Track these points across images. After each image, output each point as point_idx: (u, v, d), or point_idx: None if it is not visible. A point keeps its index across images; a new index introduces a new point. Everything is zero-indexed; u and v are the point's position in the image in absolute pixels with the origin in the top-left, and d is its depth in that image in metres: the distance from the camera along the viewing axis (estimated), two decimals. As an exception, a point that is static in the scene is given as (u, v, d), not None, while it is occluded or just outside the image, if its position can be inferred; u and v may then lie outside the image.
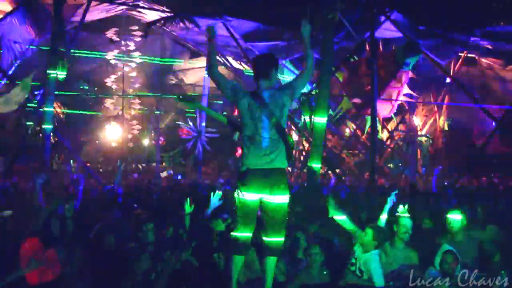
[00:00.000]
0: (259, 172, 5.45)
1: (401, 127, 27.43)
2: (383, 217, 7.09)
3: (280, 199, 5.48)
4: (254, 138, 5.48)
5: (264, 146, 5.45)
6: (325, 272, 6.65)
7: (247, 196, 5.45)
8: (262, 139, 5.46)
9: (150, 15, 23.01)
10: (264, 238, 5.56)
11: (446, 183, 18.47)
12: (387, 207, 7.15)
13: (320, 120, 11.85)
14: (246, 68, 27.98)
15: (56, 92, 16.91)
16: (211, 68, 5.55)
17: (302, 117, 21.42)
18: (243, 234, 5.51)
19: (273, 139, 5.48)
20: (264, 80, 5.56)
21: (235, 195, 5.53)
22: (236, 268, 5.57)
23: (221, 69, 29.29)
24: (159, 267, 6.15)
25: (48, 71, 16.02)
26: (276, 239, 5.52)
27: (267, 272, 5.57)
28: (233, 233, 5.56)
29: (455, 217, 7.05)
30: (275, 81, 5.68)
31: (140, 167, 32.15)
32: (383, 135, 27.64)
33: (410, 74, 18.55)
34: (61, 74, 15.97)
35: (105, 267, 6.30)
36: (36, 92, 19.89)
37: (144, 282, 6.07)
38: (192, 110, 29.89)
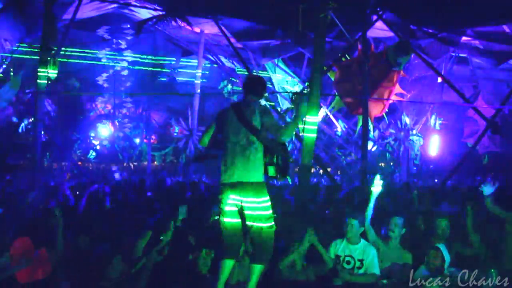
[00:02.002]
0: (227, 187, 5.55)
1: (392, 126, 27.48)
2: (369, 214, 7.04)
3: (257, 201, 5.53)
4: (224, 143, 5.62)
5: (229, 152, 5.55)
6: (309, 268, 6.63)
7: (227, 207, 5.58)
8: (228, 144, 5.58)
9: (142, 13, 22.94)
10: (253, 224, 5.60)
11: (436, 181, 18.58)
12: (372, 202, 7.08)
13: (312, 119, 11.85)
14: (238, 67, 27.99)
15: (47, 90, 16.81)
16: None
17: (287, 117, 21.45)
18: (228, 258, 5.61)
19: (241, 145, 5.54)
20: (251, 97, 5.73)
21: (219, 217, 5.69)
22: (224, 271, 5.60)
23: (213, 68, 29.32)
24: (134, 268, 6.16)
25: (39, 70, 15.94)
26: (261, 262, 5.58)
27: (252, 277, 5.59)
28: (220, 256, 5.65)
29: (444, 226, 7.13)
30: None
31: (132, 165, 32.09)
32: (375, 134, 27.71)
33: (402, 73, 18.59)
34: (52, 72, 15.90)
35: (81, 268, 6.29)
36: (27, 91, 19.83)
37: (122, 282, 6.05)
38: (184, 109, 29.87)
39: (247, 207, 5.55)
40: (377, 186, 7.08)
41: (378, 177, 7.26)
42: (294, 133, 5.82)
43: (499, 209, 7.11)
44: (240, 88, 5.76)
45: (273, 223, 5.61)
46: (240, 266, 6.36)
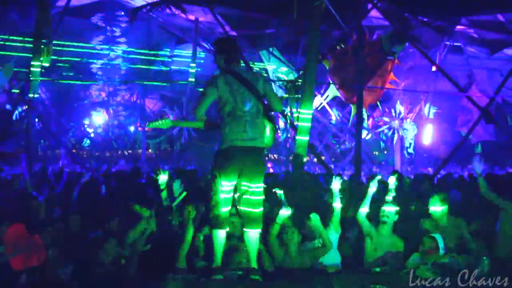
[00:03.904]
0: (238, 150, 5.52)
1: (386, 115, 27.52)
2: (363, 210, 6.97)
3: (256, 186, 5.63)
4: (234, 113, 5.55)
5: (244, 121, 5.53)
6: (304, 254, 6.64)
7: (224, 185, 5.59)
8: (242, 113, 5.55)
9: (137, 1, 22.86)
10: (243, 209, 5.70)
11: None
12: (368, 199, 7.02)
13: (307, 108, 11.86)
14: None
15: (41, 78, 16.73)
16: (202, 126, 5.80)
17: (288, 106, 21.45)
18: (222, 209, 5.64)
19: (252, 113, 5.56)
20: (237, 64, 5.72)
21: (212, 184, 5.64)
22: (219, 242, 5.68)
23: (207, 56, 29.21)
24: (126, 252, 6.15)
25: (32, 57, 15.86)
26: (254, 209, 5.65)
27: (250, 246, 5.68)
28: (212, 212, 5.65)
29: (436, 208, 7.10)
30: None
31: (126, 153, 32.07)
32: (369, 122, 27.75)
33: (396, 62, 18.60)
34: (45, 60, 15.83)
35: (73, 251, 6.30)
36: (20, 78, 19.68)
37: (113, 269, 6.06)
38: (178, 97, 29.80)
39: (243, 190, 5.64)
40: (373, 187, 7.08)
41: (378, 178, 7.29)
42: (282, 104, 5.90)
43: (493, 195, 7.13)
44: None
45: (262, 208, 5.72)
46: (238, 250, 6.38)
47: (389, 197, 7.16)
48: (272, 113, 5.84)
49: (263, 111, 5.67)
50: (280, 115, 23.25)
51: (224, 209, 5.66)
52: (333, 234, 6.85)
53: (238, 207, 5.79)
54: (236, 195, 5.73)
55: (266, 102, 5.74)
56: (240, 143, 5.51)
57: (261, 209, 5.71)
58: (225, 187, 5.60)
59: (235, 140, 5.51)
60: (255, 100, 5.57)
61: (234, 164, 5.54)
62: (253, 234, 5.68)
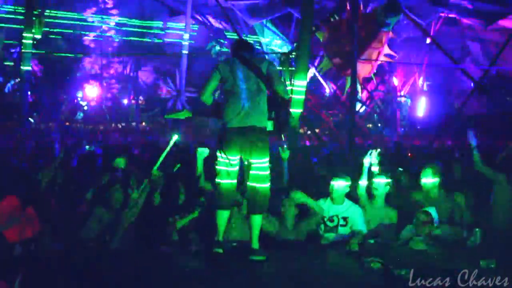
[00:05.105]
0: (236, 132, 5.57)
1: (380, 87, 27.50)
2: (362, 183, 7.06)
3: (259, 162, 5.64)
4: (232, 90, 5.61)
5: (242, 98, 5.56)
6: (299, 226, 6.65)
7: (229, 156, 5.63)
8: (240, 90, 5.59)
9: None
10: (250, 184, 5.73)
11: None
12: (365, 172, 7.08)
13: (301, 80, 11.83)
14: (226, 28, 27.75)
15: (32, 51, 16.62)
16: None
17: (282, 77, 21.36)
18: (227, 181, 5.70)
19: (252, 91, 5.58)
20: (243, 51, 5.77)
21: (217, 154, 5.72)
22: (222, 222, 5.74)
23: (201, 28, 29.03)
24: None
25: (24, 29, 15.72)
26: (261, 184, 5.68)
27: (252, 230, 5.71)
28: (217, 180, 5.73)
29: (428, 180, 7.12)
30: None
31: (120, 126, 31.97)
32: (363, 95, 27.72)
33: (391, 34, 18.52)
34: (37, 33, 15.69)
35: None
36: (12, 50, 19.58)
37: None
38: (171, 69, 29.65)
39: (249, 165, 5.70)
40: (367, 159, 7.12)
41: (374, 153, 7.31)
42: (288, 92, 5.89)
43: (487, 168, 7.15)
44: (228, 49, 5.84)
45: (269, 183, 5.74)
46: (238, 221, 6.41)
47: (375, 168, 7.24)
48: (283, 97, 5.78)
49: (265, 91, 5.69)
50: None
51: (228, 182, 5.71)
52: (358, 209, 6.86)
53: (246, 183, 5.84)
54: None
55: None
56: (236, 123, 5.55)
57: (268, 184, 5.73)
58: (229, 160, 5.66)
59: (232, 120, 5.56)
60: (254, 77, 5.60)
61: (233, 145, 5.61)
62: (257, 217, 5.72)
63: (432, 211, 6.49)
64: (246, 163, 5.87)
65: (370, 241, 6.55)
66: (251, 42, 6.35)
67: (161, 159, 6.59)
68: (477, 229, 6.27)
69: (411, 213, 6.60)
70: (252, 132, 5.57)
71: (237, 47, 5.86)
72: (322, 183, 7.38)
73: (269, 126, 5.78)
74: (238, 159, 5.72)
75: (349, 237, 6.45)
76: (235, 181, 5.78)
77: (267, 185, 5.71)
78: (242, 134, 5.56)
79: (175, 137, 6.74)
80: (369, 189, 7.10)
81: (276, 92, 5.71)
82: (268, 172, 5.74)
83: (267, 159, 5.70)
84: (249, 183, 5.75)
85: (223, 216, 5.74)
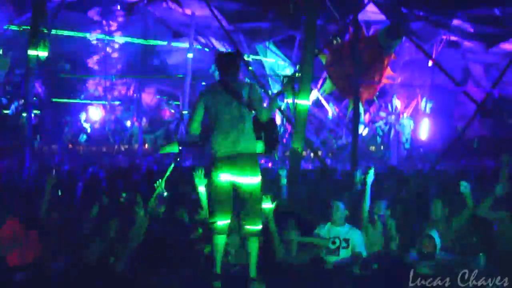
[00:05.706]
0: (225, 159, 5.55)
1: (383, 110, 27.48)
2: (366, 205, 7.04)
3: (250, 180, 5.58)
4: (216, 116, 5.61)
5: (226, 125, 5.56)
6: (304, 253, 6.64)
7: (221, 176, 5.57)
8: (223, 117, 5.59)
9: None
10: (243, 224, 5.69)
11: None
12: (368, 193, 7.04)
13: (303, 102, 11.84)
14: (229, 50, 27.82)
15: (37, 72, 16.67)
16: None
17: (285, 100, 21.41)
18: (221, 222, 5.63)
19: (235, 118, 5.57)
20: (232, 77, 5.73)
21: (209, 178, 5.70)
22: (218, 249, 5.66)
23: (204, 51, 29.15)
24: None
25: (29, 51, 15.78)
26: (254, 226, 5.65)
27: (250, 257, 5.66)
28: (211, 220, 5.66)
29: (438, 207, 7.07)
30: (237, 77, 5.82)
31: (123, 148, 31.97)
32: (366, 117, 27.70)
33: (393, 56, 18.58)
34: (42, 53, 15.74)
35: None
36: (17, 72, 19.65)
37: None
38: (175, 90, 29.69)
39: (240, 184, 5.61)
40: (370, 179, 7.10)
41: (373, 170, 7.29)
42: (270, 113, 5.85)
43: (486, 213, 7.00)
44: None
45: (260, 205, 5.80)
46: (235, 250, 6.39)
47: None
48: (267, 119, 5.75)
49: (248, 116, 5.67)
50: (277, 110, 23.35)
51: (222, 222, 5.64)
52: (358, 231, 6.83)
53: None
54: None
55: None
56: (222, 153, 5.56)
57: (260, 205, 5.77)
58: (220, 191, 5.63)
59: (219, 151, 5.57)
60: (236, 104, 5.57)
61: (224, 170, 5.58)
62: (254, 242, 5.66)
63: (434, 234, 6.46)
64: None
65: (374, 266, 6.52)
66: (233, 53, 6.29)
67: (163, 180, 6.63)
68: (481, 254, 6.21)
69: (413, 237, 6.57)
70: (240, 158, 5.55)
71: (220, 67, 5.78)
72: (326, 207, 7.36)
73: (259, 147, 5.77)
74: (230, 182, 5.62)
75: (350, 260, 6.44)
76: (228, 220, 5.69)
77: (259, 226, 5.69)
78: (231, 160, 5.53)
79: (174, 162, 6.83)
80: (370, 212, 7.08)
81: (258, 115, 5.69)
82: (260, 190, 5.69)
83: (259, 177, 5.64)
84: (243, 223, 5.69)
85: (218, 242, 5.66)
